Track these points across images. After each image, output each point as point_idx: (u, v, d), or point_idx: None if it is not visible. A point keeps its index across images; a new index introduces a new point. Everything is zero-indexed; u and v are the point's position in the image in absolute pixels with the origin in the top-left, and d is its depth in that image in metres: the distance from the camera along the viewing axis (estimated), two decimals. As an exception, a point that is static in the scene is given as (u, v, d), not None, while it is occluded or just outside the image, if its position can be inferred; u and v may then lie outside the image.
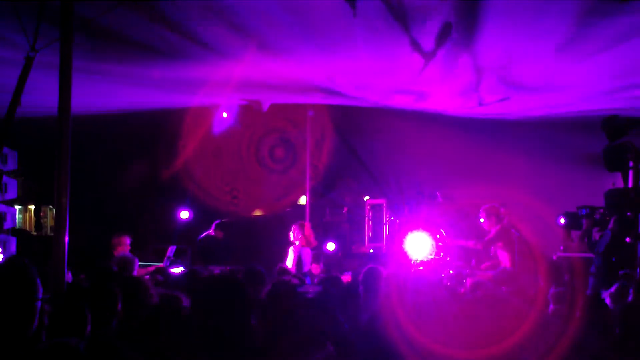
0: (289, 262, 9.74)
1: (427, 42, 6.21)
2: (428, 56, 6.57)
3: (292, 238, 10.03)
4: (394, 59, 6.97)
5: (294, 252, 9.97)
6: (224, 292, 2.92)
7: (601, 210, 9.37)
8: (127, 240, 9.20)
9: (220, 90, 9.40)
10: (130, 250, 8.95)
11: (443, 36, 5.96)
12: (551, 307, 5.27)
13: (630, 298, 5.79)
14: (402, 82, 8.24)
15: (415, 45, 6.23)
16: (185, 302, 4.45)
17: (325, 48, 6.79)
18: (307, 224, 10.47)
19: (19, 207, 12.84)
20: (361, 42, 6.47)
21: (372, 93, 9.32)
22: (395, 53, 6.69)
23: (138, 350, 3.53)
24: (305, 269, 9.80)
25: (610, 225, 8.41)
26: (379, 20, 5.80)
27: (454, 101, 9.26)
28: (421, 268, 8.87)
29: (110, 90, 9.27)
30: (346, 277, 6.90)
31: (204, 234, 11.30)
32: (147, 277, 7.87)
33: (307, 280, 7.29)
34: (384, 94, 9.27)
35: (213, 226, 11.18)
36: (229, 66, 7.63)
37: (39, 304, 3.13)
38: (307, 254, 10.06)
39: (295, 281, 5.87)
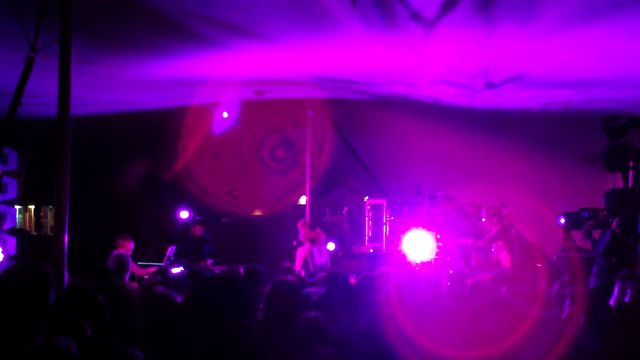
0: (297, 263, 9.77)
1: (429, 9, 6.06)
2: (429, 24, 6.36)
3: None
4: (394, 36, 6.81)
5: (302, 252, 10.01)
6: (224, 292, 2.92)
7: (604, 212, 9.36)
8: (130, 245, 9.24)
9: (222, 87, 9.37)
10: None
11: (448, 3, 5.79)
12: (565, 309, 5.25)
13: (627, 298, 5.78)
14: (403, 62, 8.06)
15: (415, 16, 6.08)
16: (180, 301, 4.45)
17: (323, 34, 6.72)
18: (304, 222, 10.51)
19: (19, 207, 12.84)
20: (359, 25, 6.41)
21: (373, 80, 9.17)
22: (395, 28, 6.53)
23: (139, 351, 3.54)
24: (316, 266, 9.79)
25: (613, 226, 8.40)
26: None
27: (458, 81, 9.04)
28: (419, 269, 8.87)
29: (111, 89, 9.27)
30: (351, 279, 6.87)
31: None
32: (146, 277, 7.88)
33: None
34: (385, 80, 9.12)
35: (191, 224, 11.18)
36: (228, 60, 7.61)
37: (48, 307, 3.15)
38: (317, 252, 10.08)
39: (294, 280, 5.87)
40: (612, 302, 5.52)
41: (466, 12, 6.01)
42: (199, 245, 11.10)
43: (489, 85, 8.86)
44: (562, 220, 10.05)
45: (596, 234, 9.01)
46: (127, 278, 8.39)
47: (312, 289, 5.43)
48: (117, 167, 12.07)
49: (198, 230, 11.08)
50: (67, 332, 3.23)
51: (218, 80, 8.74)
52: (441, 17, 6.12)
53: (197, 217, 11.24)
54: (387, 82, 9.13)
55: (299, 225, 10.43)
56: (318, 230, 10.32)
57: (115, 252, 8.88)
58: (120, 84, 8.71)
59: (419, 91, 9.59)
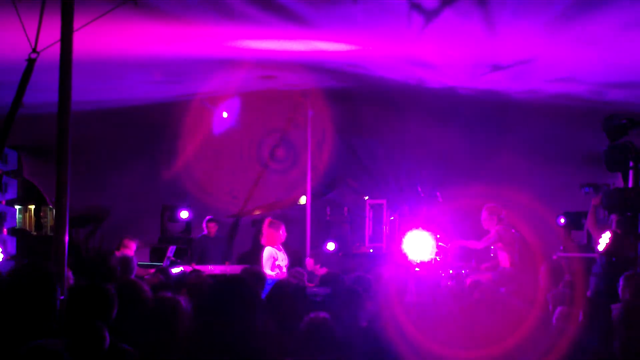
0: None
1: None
2: (430, 15, 6.30)
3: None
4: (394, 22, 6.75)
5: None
6: (230, 293, 2.91)
7: (607, 186, 9.16)
8: (133, 246, 9.24)
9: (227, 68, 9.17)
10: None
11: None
12: (557, 309, 5.26)
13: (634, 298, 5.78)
14: (403, 48, 7.96)
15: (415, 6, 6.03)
16: (185, 303, 4.44)
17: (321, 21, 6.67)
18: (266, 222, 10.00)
19: (19, 207, 12.84)
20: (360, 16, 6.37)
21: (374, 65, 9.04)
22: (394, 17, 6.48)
23: (142, 352, 3.55)
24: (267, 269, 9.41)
25: (614, 226, 8.39)
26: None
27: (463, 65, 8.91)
28: (419, 269, 8.88)
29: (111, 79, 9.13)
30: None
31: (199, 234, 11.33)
32: (147, 277, 7.89)
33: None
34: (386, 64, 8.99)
35: (204, 224, 11.19)
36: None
37: (57, 302, 3.23)
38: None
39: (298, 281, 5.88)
40: (617, 303, 5.52)
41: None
42: (215, 245, 11.13)
43: (496, 68, 8.69)
44: (562, 220, 10.05)
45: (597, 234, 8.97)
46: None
47: (317, 290, 5.46)
48: (117, 167, 12.06)
49: (212, 229, 11.09)
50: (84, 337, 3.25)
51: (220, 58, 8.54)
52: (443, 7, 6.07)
53: (209, 216, 11.26)
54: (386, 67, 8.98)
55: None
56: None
57: (119, 253, 8.87)
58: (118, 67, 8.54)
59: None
